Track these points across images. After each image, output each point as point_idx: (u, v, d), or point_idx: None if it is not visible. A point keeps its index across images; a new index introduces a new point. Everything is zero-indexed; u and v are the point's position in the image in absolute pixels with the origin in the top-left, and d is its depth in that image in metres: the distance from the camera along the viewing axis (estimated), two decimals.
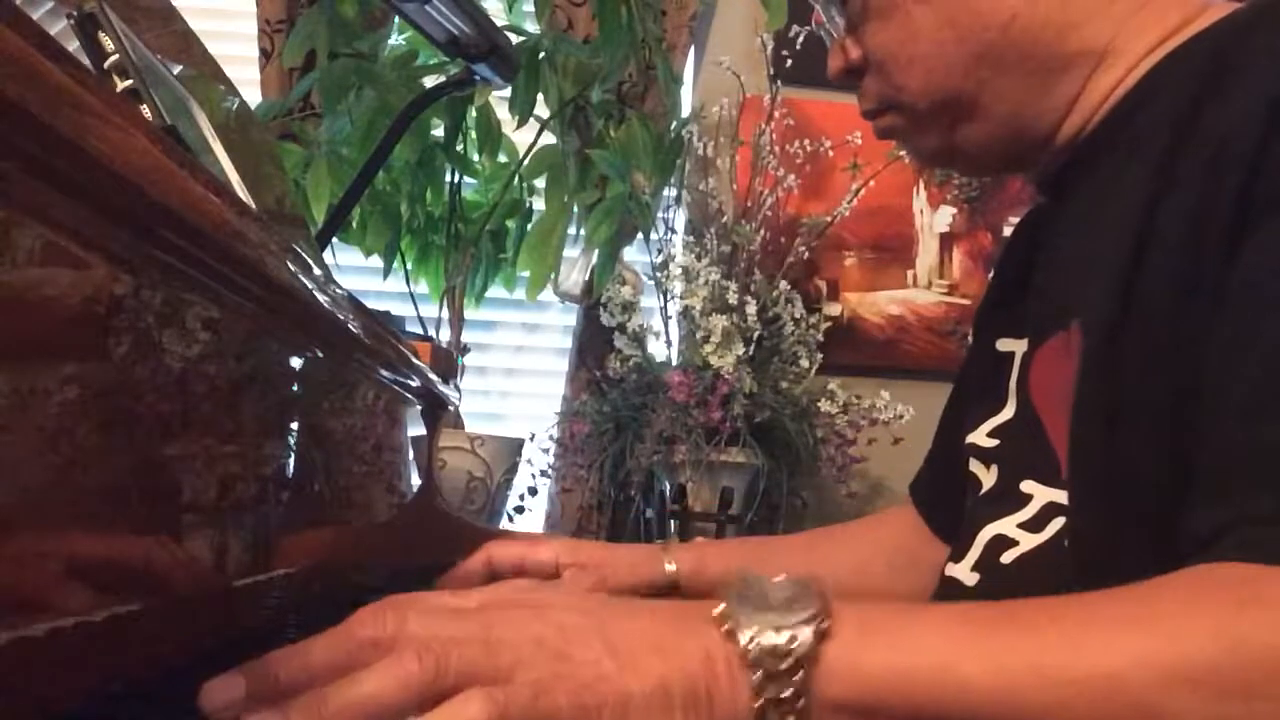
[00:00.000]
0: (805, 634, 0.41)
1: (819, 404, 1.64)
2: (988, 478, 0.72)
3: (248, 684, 0.39)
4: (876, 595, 0.90)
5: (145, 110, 0.60)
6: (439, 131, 1.64)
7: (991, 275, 0.86)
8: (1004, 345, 0.75)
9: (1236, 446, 0.47)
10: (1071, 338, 0.61)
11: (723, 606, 0.43)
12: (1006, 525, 0.67)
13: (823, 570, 0.92)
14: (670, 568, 0.85)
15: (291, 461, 0.58)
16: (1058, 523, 0.63)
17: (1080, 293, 0.60)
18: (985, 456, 0.73)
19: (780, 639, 0.41)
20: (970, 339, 0.89)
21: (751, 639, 0.42)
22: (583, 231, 1.66)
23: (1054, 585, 0.49)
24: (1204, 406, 0.50)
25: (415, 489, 0.94)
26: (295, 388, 0.60)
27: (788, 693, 0.41)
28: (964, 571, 0.69)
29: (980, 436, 0.74)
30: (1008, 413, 0.72)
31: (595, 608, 0.45)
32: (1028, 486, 0.66)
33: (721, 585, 0.45)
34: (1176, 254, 0.52)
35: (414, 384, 0.89)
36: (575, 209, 1.67)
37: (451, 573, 0.84)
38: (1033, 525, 0.65)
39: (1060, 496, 0.62)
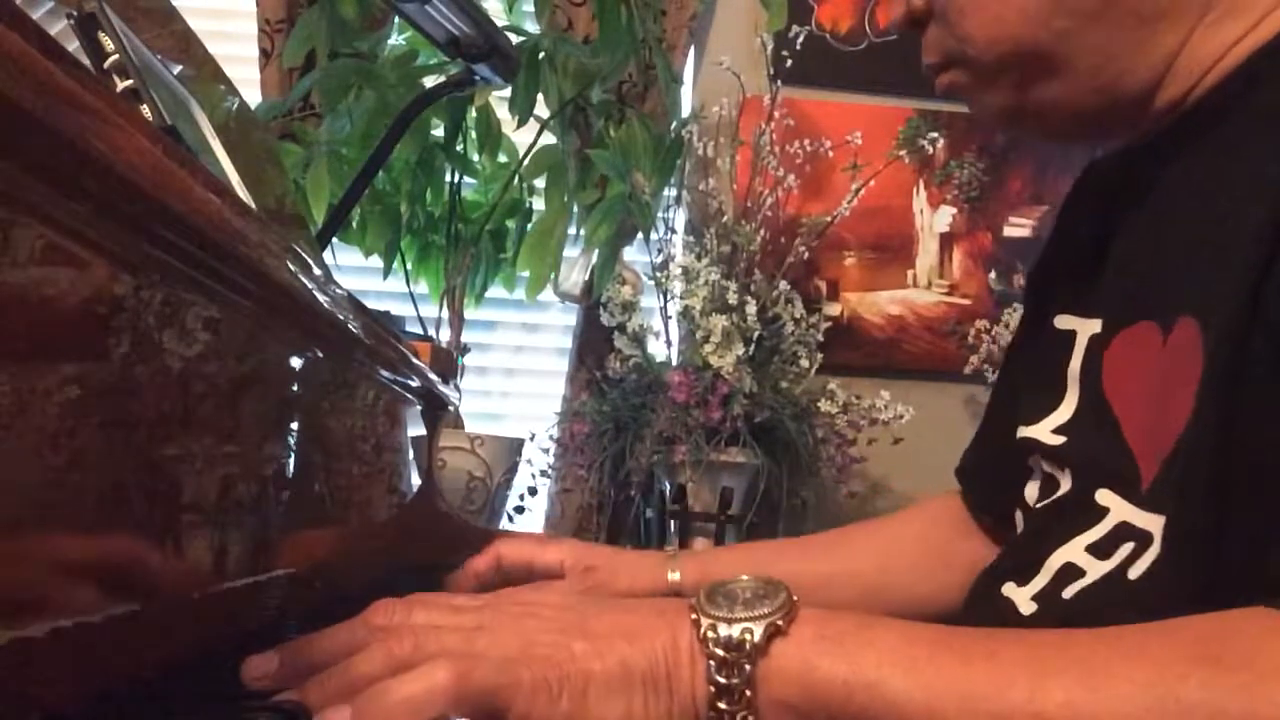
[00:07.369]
0: (757, 629, 0.44)
1: (819, 404, 1.64)
2: (1064, 480, 0.64)
3: (281, 659, 0.47)
4: (899, 595, 0.86)
5: (145, 110, 0.60)
6: (439, 131, 1.64)
7: (1051, 236, 0.77)
8: (1064, 323, 0.67)
9: None
10: (1180, 332, 0.53)
11: (695, 599, 0.47)
12: (1076, 549, 0.60)
13: (843, 570, 0.88)
14: (674, 577, 0.84)
15: (291, 462, 0.58)
16: (1126, 549, 0.55)
17: (1196, 285, 0.53)
18: (1056, 458, 0.65)
19: (734, 630, 0.44)
20: (1021, 308, 0.81)
21: (710, 627, 0.45)
22: (583, 231, 1.66)
23: (1107, 624, 0.46)
24: None
25: (415, 489, 0.94)
26: (295, 388, 0.60)
27: (736, 680, 0.44)
28: (1023, 599, 0.63)
29: (1043, 433, 0.66)
30: (1069, 404, 0.65)
31: (581, 603, 0.49)
32: (1104, 497, 0.59)
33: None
34: None
35: (414, 384, 0.89)
36: (575, 209, 1.67)
37: (462, 569, 0.86)
38: (1101, 549, 0.58)
39: (1136, 516, 0.55)
